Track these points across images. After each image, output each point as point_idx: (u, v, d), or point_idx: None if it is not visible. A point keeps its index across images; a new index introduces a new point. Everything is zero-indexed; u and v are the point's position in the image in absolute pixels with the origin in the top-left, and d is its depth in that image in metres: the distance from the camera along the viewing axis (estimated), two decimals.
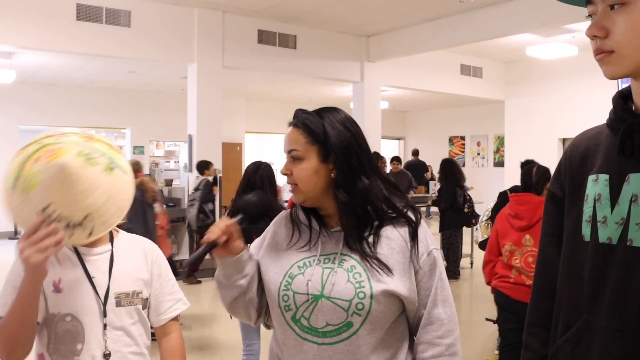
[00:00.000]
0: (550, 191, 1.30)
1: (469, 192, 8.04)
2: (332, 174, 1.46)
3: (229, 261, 1.46)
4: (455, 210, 7.66)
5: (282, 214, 1.63)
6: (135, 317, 1.66)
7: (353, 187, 1.45)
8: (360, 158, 1.47)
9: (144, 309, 1.69)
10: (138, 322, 1.66)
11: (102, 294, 1.60)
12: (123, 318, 1.62)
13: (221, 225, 1.44)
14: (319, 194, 1.47)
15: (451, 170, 7.82)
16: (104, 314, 1.59)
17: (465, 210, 7.68)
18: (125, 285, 1.64)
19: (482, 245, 6.28)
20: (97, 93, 13.06)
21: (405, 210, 1.49)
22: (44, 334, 1.59)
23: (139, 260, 1.71)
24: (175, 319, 1.77)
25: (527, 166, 4.09)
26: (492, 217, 6.20)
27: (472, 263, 8.70)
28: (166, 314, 1.73)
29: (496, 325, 5.15)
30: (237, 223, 1.47)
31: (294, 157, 1.47)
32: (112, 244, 1.68)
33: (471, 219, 7.72)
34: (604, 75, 1.10)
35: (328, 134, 1.45)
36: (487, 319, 4.75)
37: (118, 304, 1.62)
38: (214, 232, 1.43)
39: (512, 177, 9.72)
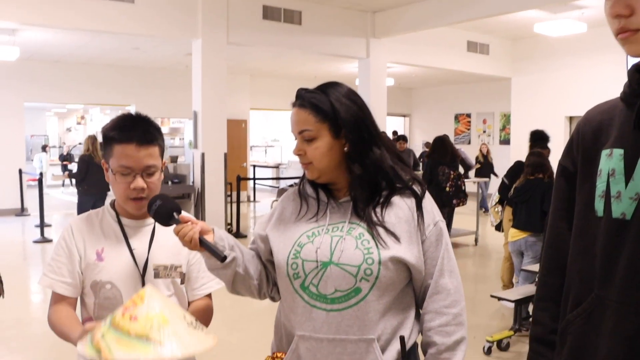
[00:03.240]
0: (561, 165, 1.29)
1: (472, 170, 7.71)
2: (345, 148, 1.47)
3: (214, 245, 1.44)
4: (436, 188, 7.18)
5: (290, 190, 1.64)
6: (172, 289, 1.70)
7: (366, 159, 1.47)
8: (370, 129, 1.49)
9: (182, 283, 1.73)
10: (174, 295, 1.71)
11: (140, 265, 1.66)
12: (160, 289, 1.66)
13: (188, 227, 1.42)
14: (333, 169, 1.49)
15: (436, 148, 7.64)
16: (142, 284, 1.63)
17: (447, 189, 7.16)
18: (164, 258, 1.69)
19: (498, 227, 6.31)
20: (101, 70, 13.00)
21: (410, 182, 1.51)
22: (90, 300, 1.66)
23: None
24: (209, 296, 1.79)
25: None
26: (500, 201, 6.18)
27: (476, 240, 8.70)
28: (200, 290, 1.76)
29: (500, 302, 5.19)
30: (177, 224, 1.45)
31: (305, 138, 1.47)
32: None
33: (452, 199, 7.20)
34: (627, 53, 1.07)
35: (337, 110, 1.45)
36: (492, 296, 4.76)
37: (156, 275, 1.67)
38: (191, 236, 1.41)
39: (518, 154, 9.67)
